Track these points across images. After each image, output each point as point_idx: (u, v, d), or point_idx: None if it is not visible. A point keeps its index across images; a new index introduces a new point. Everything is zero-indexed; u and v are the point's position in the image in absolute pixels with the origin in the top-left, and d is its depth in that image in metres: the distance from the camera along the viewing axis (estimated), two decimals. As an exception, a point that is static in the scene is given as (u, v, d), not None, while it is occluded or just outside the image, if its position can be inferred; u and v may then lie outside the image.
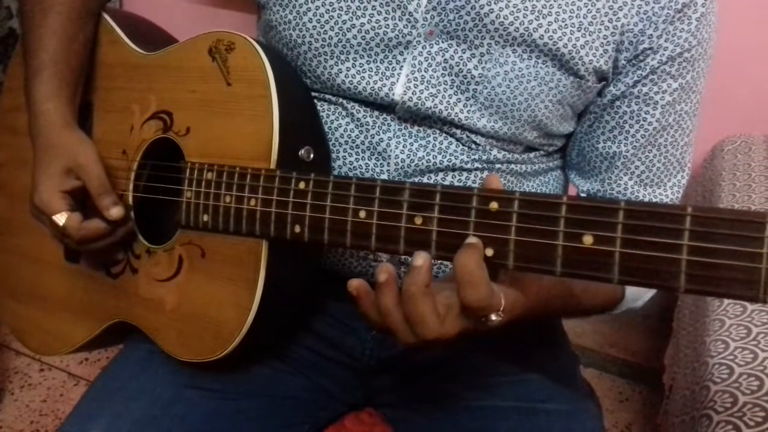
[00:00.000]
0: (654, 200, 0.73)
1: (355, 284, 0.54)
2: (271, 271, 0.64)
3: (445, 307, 0.52)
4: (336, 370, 0.78)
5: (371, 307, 0.54)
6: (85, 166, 0.70)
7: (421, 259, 0.51)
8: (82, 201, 0.73)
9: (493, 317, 0.52)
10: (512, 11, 0.64)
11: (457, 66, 0.66)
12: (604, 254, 0.46)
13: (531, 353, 0.79)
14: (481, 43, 0.65)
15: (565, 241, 0.47)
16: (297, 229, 0.60)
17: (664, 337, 1.28)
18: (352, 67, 0.69)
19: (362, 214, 0.56)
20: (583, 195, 0.77)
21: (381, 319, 0.54)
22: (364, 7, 0.67)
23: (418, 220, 0.53)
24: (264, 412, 0.75)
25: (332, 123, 0.71)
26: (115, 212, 0.70)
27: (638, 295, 0.74)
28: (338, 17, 0.68)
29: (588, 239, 0.46)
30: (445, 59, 0.67)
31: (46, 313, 0.84)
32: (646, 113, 0.69)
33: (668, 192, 0.74)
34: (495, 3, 0.64)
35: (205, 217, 0.67)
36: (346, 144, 0.71)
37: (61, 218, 0.69)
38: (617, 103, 0.69)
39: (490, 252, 0.50)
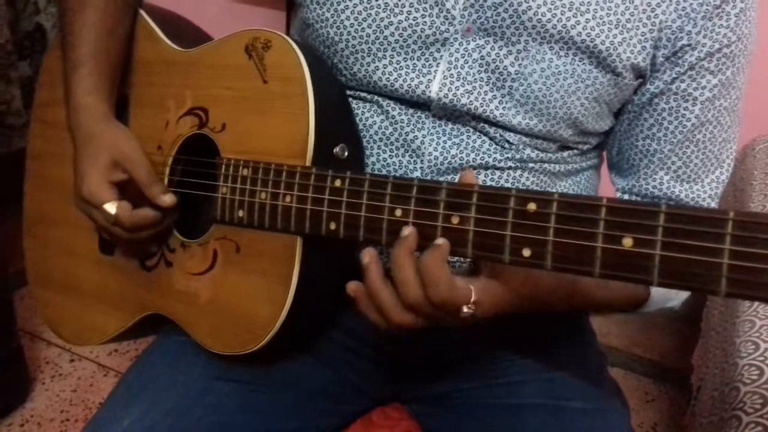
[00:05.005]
0: (691, 195, 0.72)
1: (352, 287, 0.58)
2: (305, 267, 0.64)
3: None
4: (363, 365, 0.79)
5: (370, 307, 0.58)
6: (132, 158, 0.71)
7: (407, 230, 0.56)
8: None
9: (465, 309, 0.56)
10: (550, 8, 0.64)
11: (494, 63, 0.66)
12: (644, 257, 0.45)
13: (558, 351, 0.79)
14: (518, 40, 0.65)
15: (605, 243, 0.47)
16: (332, 226, 0.61)
17: (690, 338, 1.27)
18: (389, 64, 0.69)
19: (398, 212, 0.56)
20: (618, 193, 0.77)
21: (377, 313, 0.58)
22: (402, 4, 0.67)
23: (455, 220, 0.54)
24: (293, 405, 0.76)
25: (367, 120, 0.71)
26: (168, 199, 0.71)
27: (670, 296, 0.73)
28: (376, 15, 0.68)
29: (628, 241, 0.46)
30: (482, 56, 0.67)
31: (79, 304, 0.85)
32: (684, 109, 0.69)
33: (706, 188, 0.73)
34: (533, 0, 0.64)
35: (241, 213, 0.67)
36: (380, 141, 0.71)
37: (112, 207, 0.70)
38: (656, 100, 0.69)
39: (527, 252, 0.50)
